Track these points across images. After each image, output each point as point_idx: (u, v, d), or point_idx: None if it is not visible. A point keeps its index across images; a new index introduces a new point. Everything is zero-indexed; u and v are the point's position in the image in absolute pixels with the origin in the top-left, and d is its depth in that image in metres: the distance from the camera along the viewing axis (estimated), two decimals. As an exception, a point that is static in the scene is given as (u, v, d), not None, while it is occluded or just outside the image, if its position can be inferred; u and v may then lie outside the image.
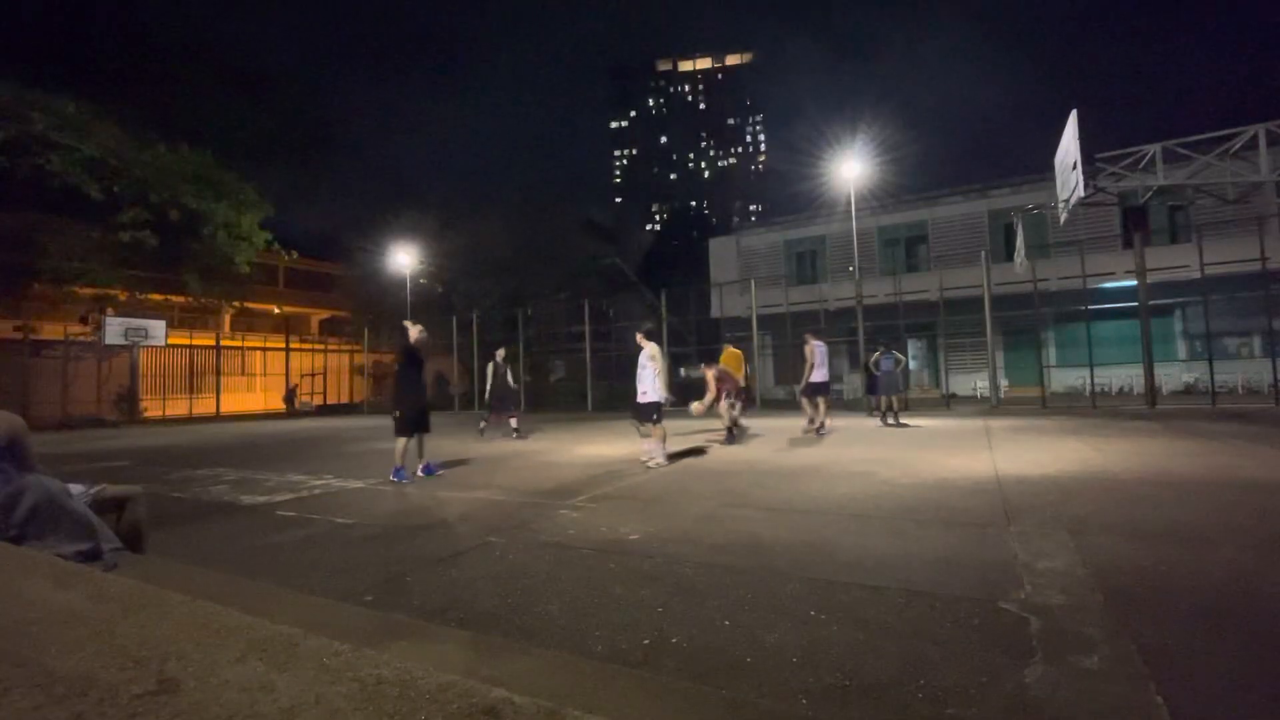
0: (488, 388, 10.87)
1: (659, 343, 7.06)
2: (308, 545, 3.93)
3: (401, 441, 6.22)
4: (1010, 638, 2.23)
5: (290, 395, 24.53)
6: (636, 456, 7.27)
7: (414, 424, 6.30)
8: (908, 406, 14.53)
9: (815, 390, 10.21)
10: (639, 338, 7.09)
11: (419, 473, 6.37)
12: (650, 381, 6.86)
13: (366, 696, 0.99)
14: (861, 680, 1.94)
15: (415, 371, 6.52)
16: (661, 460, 6.79)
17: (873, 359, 11.87)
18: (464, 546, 3.70)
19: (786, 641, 2.24)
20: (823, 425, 10.09)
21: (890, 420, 11.33)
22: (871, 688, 1.90)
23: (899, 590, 2.74)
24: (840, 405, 16.01)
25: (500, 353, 11.00)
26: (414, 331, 6.51)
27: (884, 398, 11.62)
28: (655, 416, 6.85)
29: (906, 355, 20.26)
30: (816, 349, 10.29)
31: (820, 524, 4.05)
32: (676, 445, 8.78)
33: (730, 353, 11.87)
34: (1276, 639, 2.20)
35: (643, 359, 6.94)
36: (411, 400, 6.37)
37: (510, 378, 10.98)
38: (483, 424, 11.06)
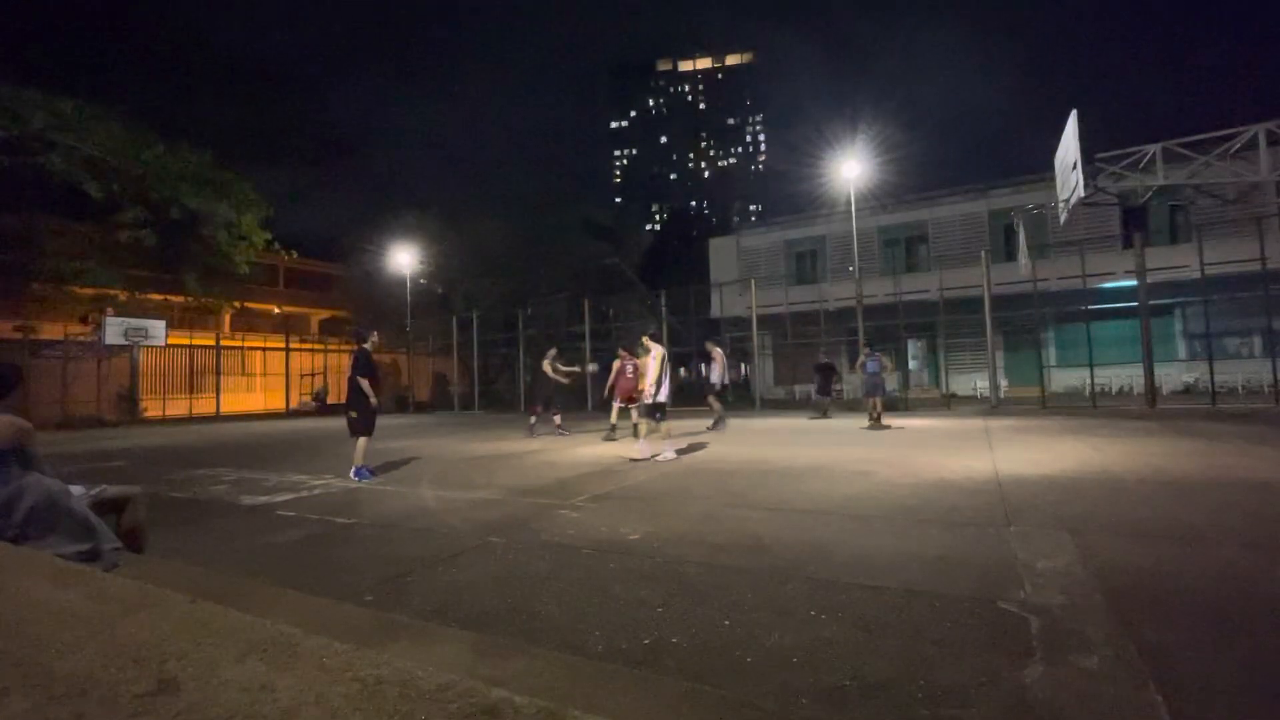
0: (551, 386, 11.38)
1: (663, 345, 7.71)
2: (308, 545, 3.94)
3: (362, 441, 6.50)
4: (1010, 638, 2.23)
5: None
6: (636, 456, 7.29)
7: (372, 424, 6.62)
8: (907, 407, 14.54)
9: (720, 391, 11.50)
10: (645, 340, 7.82)
11: (351, 475, 6.41)
12: (649, 382, 7.44)
13: (366, 696, 0.99)
14: (861, 680, 1.94)
15: (371, 376, 6.75)
16: (670, 455, 7.22)
17: (858, 361, 12.17)
18: (464, 546, 3.70)
19: (787, 641, 2.24)
20: (719, 420, 11.30)
21: (874, 420, 11.40)
22: (871, 688, 1.90)
23: (899, 590, 2.74)
24: (841, 404, 15.99)
25: (552, 352, 11.69)
26: (373, 340, 6.94)
27: (870, 399, 11.76)
28: (658, 415, 7.47)
29: (907, 355, 20.31)
30: (721, 354, 11.48)
31: (820, 524, 4.05)
32: (677, 444, 8.78)
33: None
34: (1276, 639, 2.20)
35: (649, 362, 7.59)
36: (368, 402, 6.59)
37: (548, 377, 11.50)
38: (557, 419, 11.53)
